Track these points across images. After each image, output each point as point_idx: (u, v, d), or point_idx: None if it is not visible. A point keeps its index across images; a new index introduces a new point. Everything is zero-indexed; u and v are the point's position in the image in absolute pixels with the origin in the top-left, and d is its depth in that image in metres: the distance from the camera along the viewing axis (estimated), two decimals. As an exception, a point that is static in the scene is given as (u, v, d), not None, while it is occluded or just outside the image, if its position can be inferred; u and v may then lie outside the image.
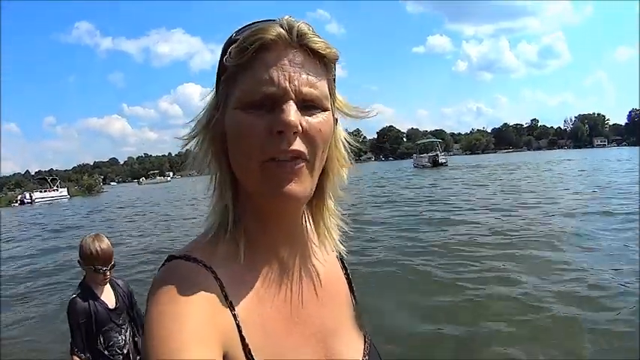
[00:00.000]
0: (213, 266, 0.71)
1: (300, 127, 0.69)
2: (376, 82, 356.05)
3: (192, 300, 0.64)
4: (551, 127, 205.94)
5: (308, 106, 0.71)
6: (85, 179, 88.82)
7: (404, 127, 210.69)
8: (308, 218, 0.87)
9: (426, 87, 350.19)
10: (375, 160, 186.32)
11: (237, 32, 0.73)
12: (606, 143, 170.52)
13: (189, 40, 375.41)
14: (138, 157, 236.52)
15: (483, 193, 21.13)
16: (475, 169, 48.25)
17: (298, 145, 0.69)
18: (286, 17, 0.71)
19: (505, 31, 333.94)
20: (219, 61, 0.74)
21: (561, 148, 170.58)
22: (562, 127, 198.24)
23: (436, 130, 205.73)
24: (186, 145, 0.80)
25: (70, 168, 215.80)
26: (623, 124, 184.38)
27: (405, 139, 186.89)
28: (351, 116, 0.82)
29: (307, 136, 0.70)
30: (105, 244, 3.03)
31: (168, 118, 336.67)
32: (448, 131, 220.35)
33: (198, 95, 0.80)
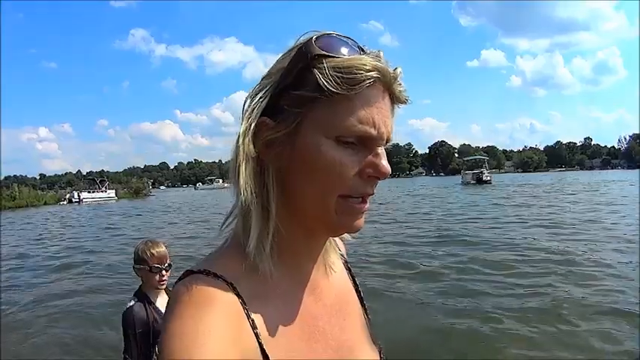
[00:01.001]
0: (233, 282, 0.69)
1: None
2: (429, 96, 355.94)
3: (213, 317, 0.63)
4: (605, 146, 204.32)
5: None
6: (133, 182, 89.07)
7: (456, 143, 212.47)
8: None
9: (480, 102, 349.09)
10: (425, 174, 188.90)
11: (318, 41, 0.69)
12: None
13: (243, 48, 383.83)
14: (188, 163, 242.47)
15: (507, 214, 19.85)
16: (520, 188, 47.17)
17: (375, 186, 0.73)
18: (381, 53, 0.70)
19: (559, 45, 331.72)
20: (291, 68, 0.69)
21: (614, 168, 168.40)
22: (616, 146, 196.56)
23: (488, 146, 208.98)
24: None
25: (121, 170, 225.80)
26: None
27: (456, 155, 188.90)
28: None
29: None
30: (159, 245, 2.97)
31: (220, 125, 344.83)
32: (500, 148, 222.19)
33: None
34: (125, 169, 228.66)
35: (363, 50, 0.71)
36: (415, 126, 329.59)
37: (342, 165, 0.68)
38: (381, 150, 0.70)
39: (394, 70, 0.70)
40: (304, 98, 0.68)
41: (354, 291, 0.94)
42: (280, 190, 0.73)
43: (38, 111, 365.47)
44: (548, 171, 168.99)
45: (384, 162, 0.70)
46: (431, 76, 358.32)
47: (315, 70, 0.67)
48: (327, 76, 0.66)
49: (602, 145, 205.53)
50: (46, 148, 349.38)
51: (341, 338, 0.81)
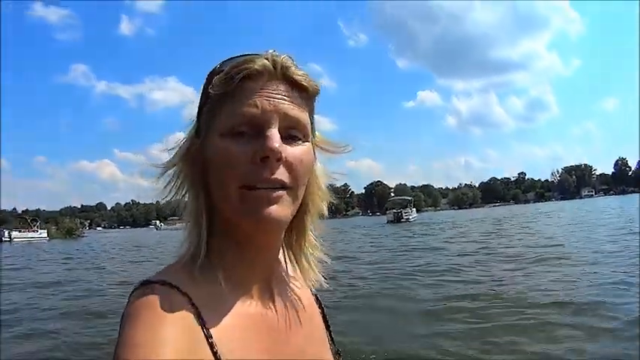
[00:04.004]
0: (188, 292, 0.69)
1: (282, 154, 0.70)
2: (367, 137, 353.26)
3: (168, 328, 0.62)
4: (539, 179, 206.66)
5: (291, 136, 0.73)
6: (66, 222, 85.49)
7: (393, 183, 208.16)
8: (287, 252, 0.88)
9: (417, 141, 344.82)
10: (362, 214, 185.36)
11: (222, 64, 0.74)
12: (594, 193, 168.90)
13: (183, 89, 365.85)
14: (125, 204, 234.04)
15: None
16: (426, 226, 46.90)
17: (281, 173, 0.71)
18: (270, 51, 0.74)
19: (494, 85, 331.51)
20: (202, 91, 0.77)
21: (549, 200, 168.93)
22: (549, 179, 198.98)
23: (424, 185, 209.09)
24: (164, 173, 0.80)
25: (58, 210, 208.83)
26: (610, 174, 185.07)
27: (392, 194, 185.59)
28: (329, 151, 0.85)
29: (289, 164, 0.72)
30: None
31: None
32: (437, 186, 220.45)
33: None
34: (62, 209, 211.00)
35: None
36: (352, 167, 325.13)
37: (231, 155, 0.70)
38: (272, 131, 0.70)
39: (282, 58, 0.73)
40: (203, 111, 0.76)
41: (318, 312, 0.95)
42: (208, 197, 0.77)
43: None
44: (483, 207, 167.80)
45: (271, 140, 0.69)
46: (368, 117, 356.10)
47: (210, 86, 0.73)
48: (212, 84, 0.72)
49: (536, 179, 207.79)
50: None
51: (297, 351, 0.81)
